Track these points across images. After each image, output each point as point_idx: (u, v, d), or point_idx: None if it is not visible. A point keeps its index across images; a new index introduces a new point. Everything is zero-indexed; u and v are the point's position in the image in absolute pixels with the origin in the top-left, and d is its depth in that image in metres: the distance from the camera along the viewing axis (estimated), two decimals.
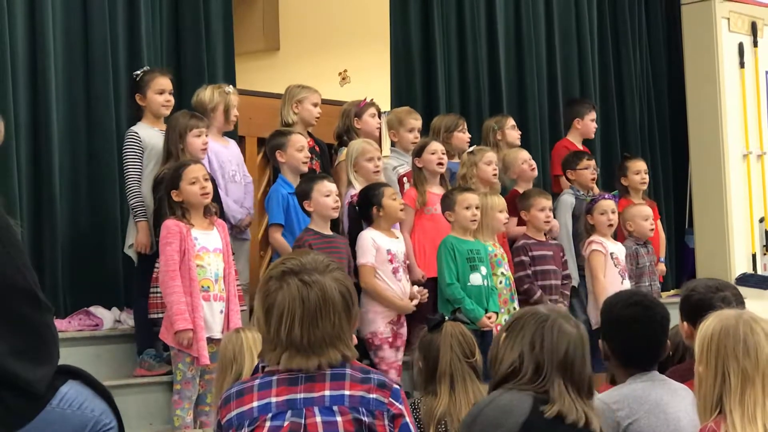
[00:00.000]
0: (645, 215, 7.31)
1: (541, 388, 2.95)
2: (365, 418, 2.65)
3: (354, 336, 5.72)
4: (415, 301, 6.17)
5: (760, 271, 9.41)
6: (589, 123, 8.06)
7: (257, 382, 2.72)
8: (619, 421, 3.51)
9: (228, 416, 2.71)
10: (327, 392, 2.66)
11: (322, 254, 2.80)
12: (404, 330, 6.16)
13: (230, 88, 6.32)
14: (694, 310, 3.96)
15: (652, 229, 7.31)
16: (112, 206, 6.27)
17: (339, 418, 2.64)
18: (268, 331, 2.70)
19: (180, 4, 6.87)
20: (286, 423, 2.65)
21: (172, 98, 6.11)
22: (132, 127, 6.05)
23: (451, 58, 8.21)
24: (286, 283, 2.68)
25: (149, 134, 6.00)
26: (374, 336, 6.06)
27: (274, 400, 2.67)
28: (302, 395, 2.67)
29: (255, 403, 2.68)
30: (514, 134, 7.59)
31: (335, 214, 5.93)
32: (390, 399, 2.69)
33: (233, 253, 5.80)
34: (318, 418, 2.64)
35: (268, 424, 2.66)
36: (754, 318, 3.01)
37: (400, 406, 2.70)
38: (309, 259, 2.73)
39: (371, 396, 2.67)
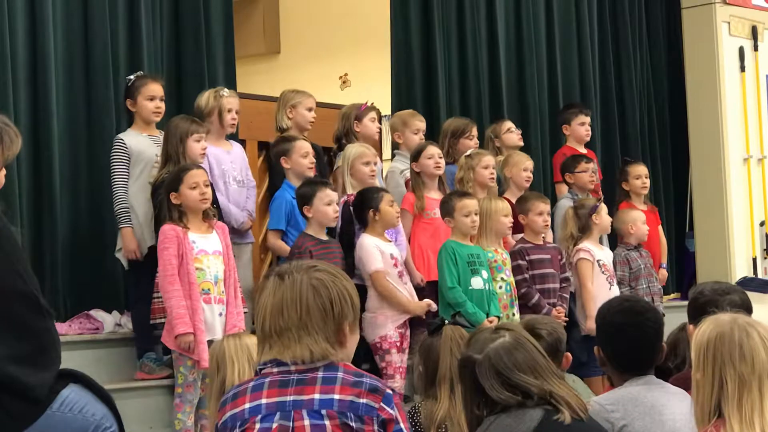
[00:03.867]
0: (643, 219, 7.36)
1: (551, 405, 3.00)
2: (353, 424, 2.64)
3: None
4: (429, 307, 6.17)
5: (760, 275, 9.41)
6: (577, 128, 7.98)
7: (251, 384, 2.75)
8: (613, 422, 3.52)
9: (223, 418, 2.75)
10: (317, 396, 2.66)
11: (316, 261, 2.85)
12: (408, 333, 6.17)
13: (225, 91, 6.28)
14: (701, 313, 3.97)
15: (646, 234, 7.34)
16: (111, 210, 6.26)
17: (327, 422, 2.65)
18: (256, 328, 2.78)
19: (180, 8, 6.87)
20: (274, 425, 2.67)
21: (162, 105, 6.09)
22: (119, 134, 6.04)
23: (451, 62, 8.21)
24: (269, 281, 2.76)
25: (137, 140, 5.98)
26: (383, 340, 6.06)
27: (264, 402, 2.69)
28: (292, 398, 2.68)
29: (246, 405, 2.71)
30: (513, 137, 7.57)
31: (333, 224, 5.95)
32: (381, 404, 2.67)
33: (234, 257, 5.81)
34: (306, 422, 2.65)
35: (257, 425, 2.68)
36: (749, 322, 3.01)
37: (391, 412, 2.68)
38: (298, 262, 2.80)
39: (361, 401, 2.66)
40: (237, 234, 6.19)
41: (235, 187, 6.28)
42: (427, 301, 6.16)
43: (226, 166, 6.24)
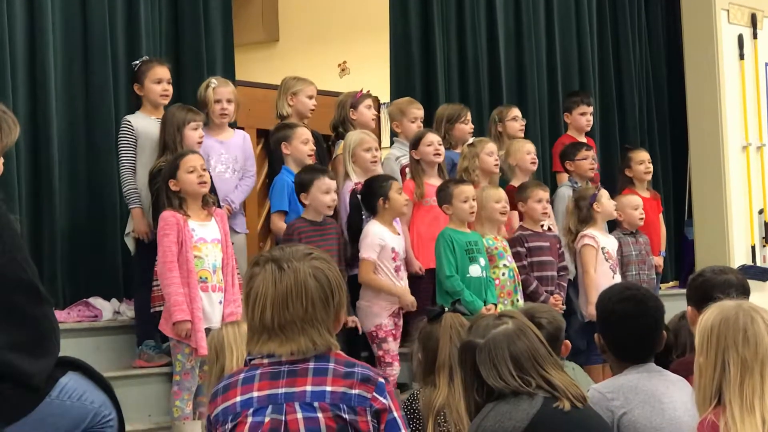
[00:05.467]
0: (635, 205, 7.30)
1: (547, 392, 3.00)
2: (346, 415, 2.63)
3: (354, 318, 5.76)
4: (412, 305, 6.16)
5: (759, 263, 9.41)
6: (578, 117, 7.97)
7: (242, 376, 2.72)
8: (613, 410, 3.52)
9: (215, 411, 2.72)
10: (308, 387, 2.65)
11: (308, 246, 2.82)
12: (401, 322, 6.17)
13: (213, 82, 6.25)
14: (699, 293, 4.00)
15: (642, 219, 7.30)
16: (111, 197, 6.27)
17: (320, 415, 2.63)
18: (247, 317, 2.73)
19: None
20: (267, 419, 2.65)
21: (170, 87, 6.09)
22: (127, 116, 6.04)
23: (450, 50, 8.20)
24: (264, 269, 2.71)
25: (145, 123, 5.98)
26: (379, 329, 6.06)
27: (255, 395, 2.67)
28: (283, 390, 2.66)
29: (238, 398, 2.69)
30: (515, 125, 7.55)
31: (330, 212, 5.91)
32: (374, 394, 2.66)
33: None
34: (299, 415, 2.63)
35: (249, 419, 2.66)
36: (754, 308, 3.02)
37: (384, 401, 2.67)
38: (293, 248, 2.76)
39: (353, 392, 2.64)
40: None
41: (223, 176, 6.22)
42: (412, 301, 6.14)
43: (213, 155, 6.19)
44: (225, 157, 6.25)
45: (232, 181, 6.27)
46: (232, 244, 5.78)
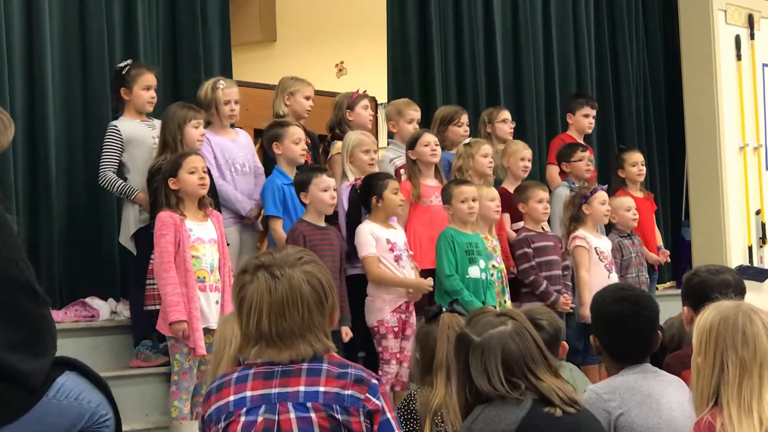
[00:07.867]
0: (627, 206, 7.30)
1: (537, 394, 2.99)
2: (339, 416, 2.63)
3: (348, 329, 5.76)
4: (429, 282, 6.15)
5: (756, 264, 9.42)
6: (581, 119, 7.97)
7: (235, 375, 2.72)
8: (610, 411, 3.51)
9: (209, 411, 2.72)
10: (301, 388, 2.65)
11: (297, 249, 2.81)
12: (413, 319, 6.12)
13: (222, 83, 6.26)
14: (695, 293, 3.99)
15: (635, 220, 7.30)
16: (107, 198, 6.27)
17: (313, 415, 2.63)
18: (241, 324, 2.72)
19: None
20: (260, 419, 2.65)
21: (155, 94, 6.08)
22: (113, 122, 5.99)
23: (448, 51, 8.20)
24: (256, 277, 2.69)
25: (131, 126, 5.96)
26: (380, 324, 6.04)
27: (249, 394, 2.67)
28: (277, 390, 2.66)
29: (231, 397, 2.69)
30: (504, 128, 7.53)
31: (330, 210, 5.93)
32: (367, 395, 2.66)
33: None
34: (292, 415, 2.63)
35: (242, 419, 2.66)
36: (753, 309, 3.01)
37: (377, 402, 2.67)
38: (282, 253, 2.75)
39: (346, 392, 2.65)
40: (245, 221, 6.20)
41: (242, 175, 6.26)
42: (428, 281, 6.13)
43: (231, 154, 6.23)
44: (239, 155, 6.27)
45: (250, 180, 6.31)
46: (228, 245, 5.78)
